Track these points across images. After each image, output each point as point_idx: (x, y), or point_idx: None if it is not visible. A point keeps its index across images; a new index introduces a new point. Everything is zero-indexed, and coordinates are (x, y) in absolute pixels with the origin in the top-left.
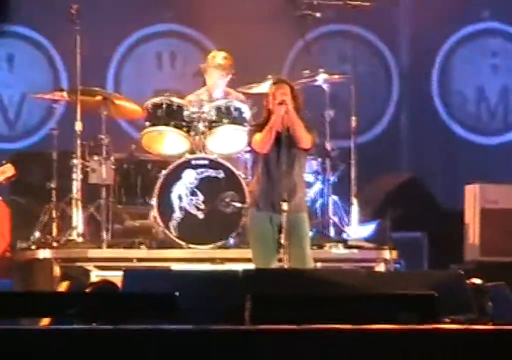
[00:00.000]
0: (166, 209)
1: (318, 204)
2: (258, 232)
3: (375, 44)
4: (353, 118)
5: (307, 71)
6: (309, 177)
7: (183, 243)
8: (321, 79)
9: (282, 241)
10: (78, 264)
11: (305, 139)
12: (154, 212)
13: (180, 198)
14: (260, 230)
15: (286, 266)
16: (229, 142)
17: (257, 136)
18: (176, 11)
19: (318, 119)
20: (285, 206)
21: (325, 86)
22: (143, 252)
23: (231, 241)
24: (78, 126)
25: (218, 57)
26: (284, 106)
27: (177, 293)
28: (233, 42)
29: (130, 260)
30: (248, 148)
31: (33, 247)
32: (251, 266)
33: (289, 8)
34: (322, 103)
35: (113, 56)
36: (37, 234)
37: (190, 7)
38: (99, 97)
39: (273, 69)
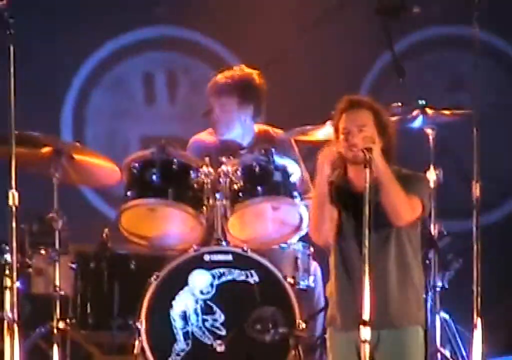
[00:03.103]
0: (162, 337)
1: None
2: None
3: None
4: (476, 183)
5: (397, 105)
6: None
7: None
8: (422, 116)
9: None
10: None
11: (406, 211)
12: (141, 343)
13: (185, 318)
14: None
15: None
16: (266, 224)
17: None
18: (172, 4)
19: None
20: (379, 320)
21: (428, 129)
22: None
23: None
24: (13, 198)
25: (226, 77)
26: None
27: None
28: (270, 58)
29: None
30: (301, 233)
31: None
32: None
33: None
34: (422, 156)
35: (72, 81)
36: None
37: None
38: (46, 150)
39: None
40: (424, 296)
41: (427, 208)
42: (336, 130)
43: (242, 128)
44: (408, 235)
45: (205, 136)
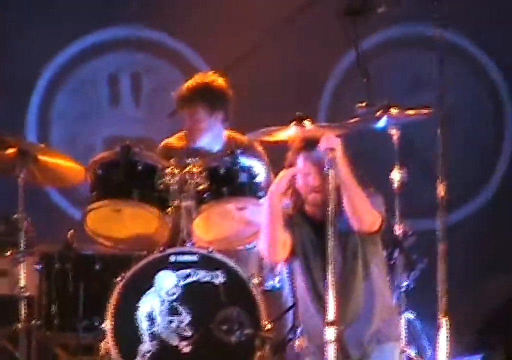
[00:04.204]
0: (128, 338)
1: None
2: None
3: (478, 59)
4: (441, 182)
5: (362, 105)
6: None
7: None
8: (387, 117)
9: None
10: None
11: (368, 216)
12: (107, 344)
13: (151, 318)
14: None
15: None
16: (232, 225)
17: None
18: (138, 5)
19: (381, 185)
20: (349, 341)
21: (393, 129)
22: None
23: None
24: None
25: (198, 81)
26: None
27: None
28: (236, 59)
29: None
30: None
31: None
32: None
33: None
34: (388, 157)
35: (36, 82)
36: None
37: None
38: (11, 151)
39: (306, 105)
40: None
41: (384, 223)
42: (291, 166)
43: (212, 135)
44: (372, 243)
45: (175, 141)
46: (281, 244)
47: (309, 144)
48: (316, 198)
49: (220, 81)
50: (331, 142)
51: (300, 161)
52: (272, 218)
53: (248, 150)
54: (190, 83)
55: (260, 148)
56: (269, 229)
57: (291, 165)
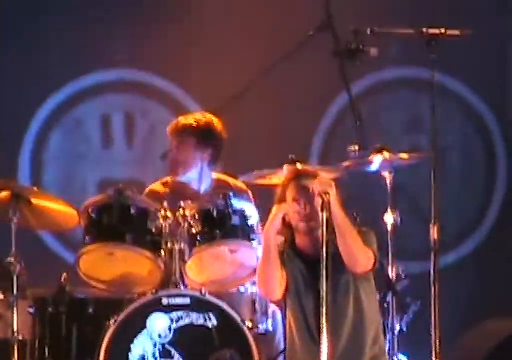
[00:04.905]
0: None
1: None
2: None
3: (470, 103)
4: (434, 225)
5: (354, 148)
6: None
7: None
8: (379, 160)
9: None
10: None
11: (363, 257)
12: None
13: None
14: None
15: None
16: (224, 268)
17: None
18: (131, 47)
19: (375, 228)
20: None
21: (386, 173)
22: None
23: None
24: None
25: (187, 119)
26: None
27: None
28: (227, 101)
29: None
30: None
31: None
32: None
33: (322, 41)
34: (380, 200)
35: (30, 124)
36: None
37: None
38: (4, 194)
39: (298, 149)
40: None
41: (378, 261)
42: (281, 200)
43: (197, 172)
44: (366, 281)
45: (159, 187)
46: (278, 282)
47: (300, 174)
48: (307, 226)
49: (214, 121)
50: (324, 185)
51: (291, 190)
52: (269, 256)
53: (240, 193)
54: (185, 117)
55: (250, 192)
56: (266, 268)
57: (281, 199)
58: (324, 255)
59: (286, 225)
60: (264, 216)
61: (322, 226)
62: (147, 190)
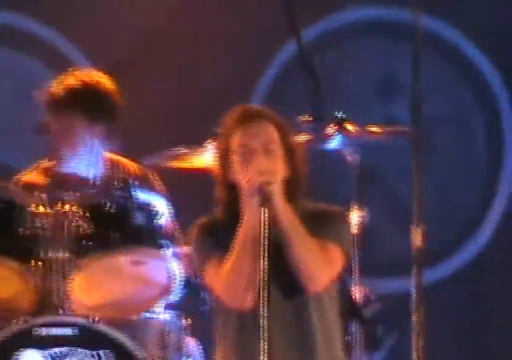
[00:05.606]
0: None
1: None
2: None
3: (468, 56)
4: (416, 227)
5: (306, 118)
6: None
7: None
8: (340, 135)
9: None
10: None
11: (324, 273)
12: None
13: None
14: None
15: None
16: (124, 286)
17: (214, 269)
18: None
19: None
20: None
21: (348, 151)
22: None
23: None
24: None
25: (70, 79)
26: (267, 193)
27: None
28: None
29: None
30: (170, 297)
31: None
32: None
33: None
34: (342, 191)
35: None
36: None
37: None
38: None
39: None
40: None
41: (349, 258)
42: (225, 151)
43: (88, 155)
44: (325, 292)
45: (35, 177)
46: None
47: (251, 115)
48: (258, 184)
49: (104, 82)
50: (266, 173)
51: (239, 137)
52: (246, 251)
53: (143, 181)
54: (62, 82)
55: (158, 181)
56: (241, 268)
57: (224, 147)
58: (263, 268)
59: (227, 187)
60: (179, 213)
61: (264, 229)
62: (19, 181)
